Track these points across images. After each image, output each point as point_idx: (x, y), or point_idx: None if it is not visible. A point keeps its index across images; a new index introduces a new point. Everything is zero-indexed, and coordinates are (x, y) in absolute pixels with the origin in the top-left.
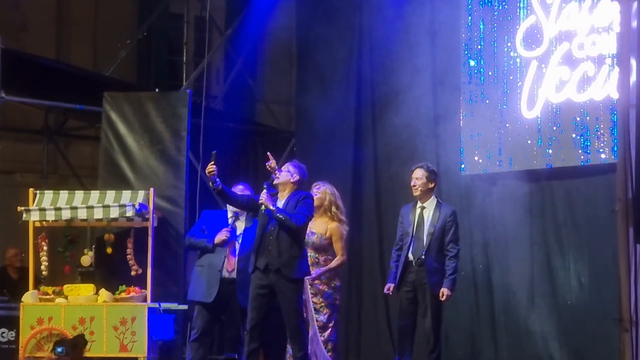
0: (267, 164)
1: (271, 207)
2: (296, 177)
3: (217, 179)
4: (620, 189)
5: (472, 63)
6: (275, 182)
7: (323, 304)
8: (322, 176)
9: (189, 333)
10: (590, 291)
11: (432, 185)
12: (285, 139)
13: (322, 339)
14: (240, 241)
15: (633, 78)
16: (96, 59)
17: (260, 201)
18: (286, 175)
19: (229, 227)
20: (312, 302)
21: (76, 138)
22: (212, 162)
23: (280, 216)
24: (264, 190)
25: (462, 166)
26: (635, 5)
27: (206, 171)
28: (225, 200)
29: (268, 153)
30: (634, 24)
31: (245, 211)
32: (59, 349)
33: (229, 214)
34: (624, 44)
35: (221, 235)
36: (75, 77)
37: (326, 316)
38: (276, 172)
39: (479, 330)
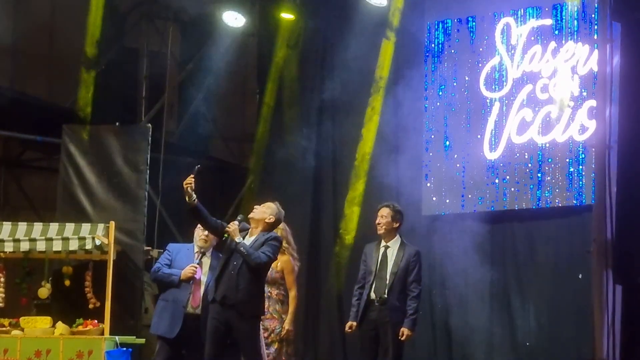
0: (186, 182)
1: (235, 239)
2: (271, 219)
3: (194, 194)
4: (596, 230)
5: (434, 103)
6: (250, 215)
7: (274, 339)
8: None
9: None
10: (550, 332)
11: (397, 225)
12: (242, 175)
13: None
14: (206, 278)
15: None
16: (51, 92)
17: (226, 228)
18: (262, 213)
19: (196, 263)
20: (263, 336)
21: (28, 169)
22: (192, 176)
23: (242, 249)
24: (235, 222)
25: (423, 206)
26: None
27: (184, 183)
28: (197, 218)
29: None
30: (614, 63)
31: (213, 235)
32: None
33: (195, 249)
34: (601, 85)
35: (188, 272)
36: (32, 108)
37: (277, 350)
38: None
39: None
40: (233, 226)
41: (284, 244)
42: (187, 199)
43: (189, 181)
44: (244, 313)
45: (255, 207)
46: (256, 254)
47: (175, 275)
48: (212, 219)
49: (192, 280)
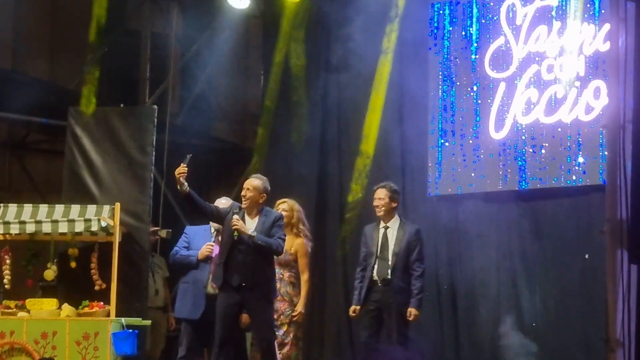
0: (179, 171)
1: (249, 234)
2: (263, 196)
3: (185, 182)
4: (609, 210)
5: (439, 83)
6: (243, 206)
7: (283, 321)
8: (286, 192)
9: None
10: (556, 313)
11: (395, 204)
12: (245, 155)
13: (281, 356)
14: None
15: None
16: (53, 73)
17: (233, 227)
18: (253, 198)
19: (212, 241)
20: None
21: (32, 152)
22: (184, 165)
23: (262, 243)
24: (236, 216)
25: (429, 186)
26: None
27: (176, 172)
28: (191, 206)
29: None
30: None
31: (210, 220)
32: None
33: (212, 230)
34: (613, 65)
35: (205, 252)
36: (35, 91)
37: (285, 333)
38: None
39: (443, 352)
40: (239, 222)
41: (300, 226)
42: (178, 187)
43: (182, 170)
44: (266, 296)
45: (242, 195)
46: (276, 242)
47: (192, 256)
48: (205, 205)
49: (209, 259)
